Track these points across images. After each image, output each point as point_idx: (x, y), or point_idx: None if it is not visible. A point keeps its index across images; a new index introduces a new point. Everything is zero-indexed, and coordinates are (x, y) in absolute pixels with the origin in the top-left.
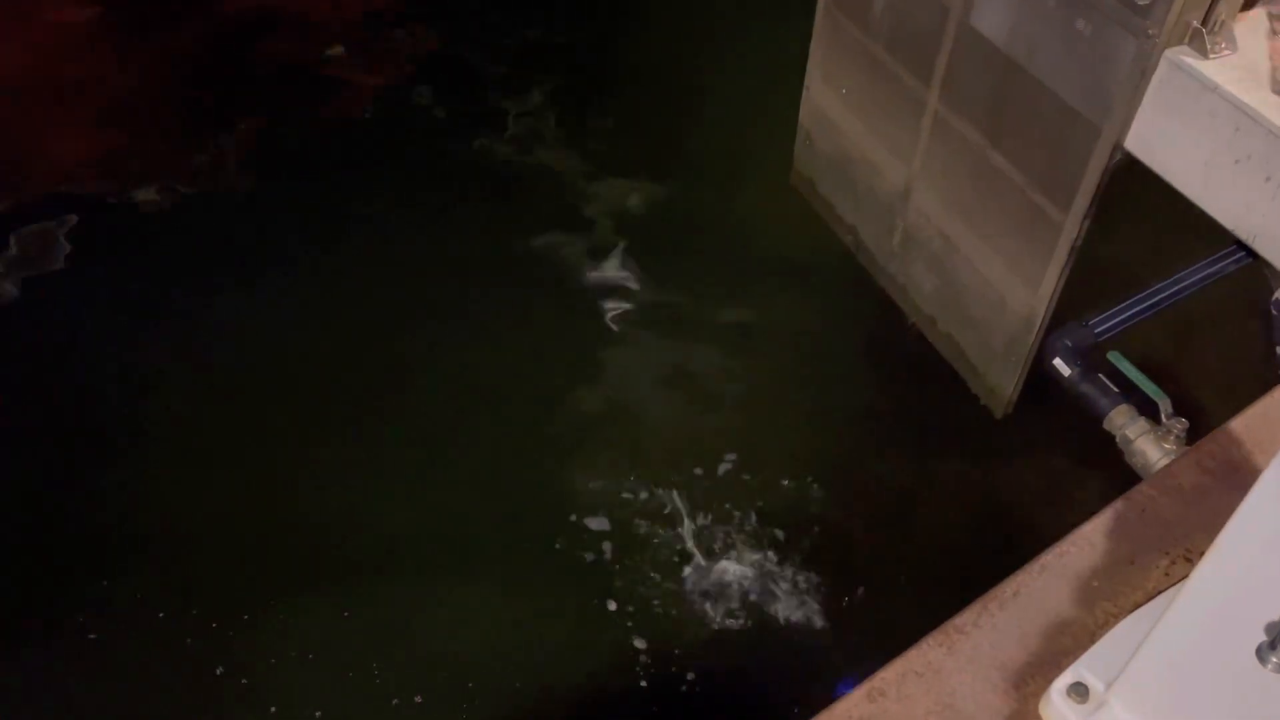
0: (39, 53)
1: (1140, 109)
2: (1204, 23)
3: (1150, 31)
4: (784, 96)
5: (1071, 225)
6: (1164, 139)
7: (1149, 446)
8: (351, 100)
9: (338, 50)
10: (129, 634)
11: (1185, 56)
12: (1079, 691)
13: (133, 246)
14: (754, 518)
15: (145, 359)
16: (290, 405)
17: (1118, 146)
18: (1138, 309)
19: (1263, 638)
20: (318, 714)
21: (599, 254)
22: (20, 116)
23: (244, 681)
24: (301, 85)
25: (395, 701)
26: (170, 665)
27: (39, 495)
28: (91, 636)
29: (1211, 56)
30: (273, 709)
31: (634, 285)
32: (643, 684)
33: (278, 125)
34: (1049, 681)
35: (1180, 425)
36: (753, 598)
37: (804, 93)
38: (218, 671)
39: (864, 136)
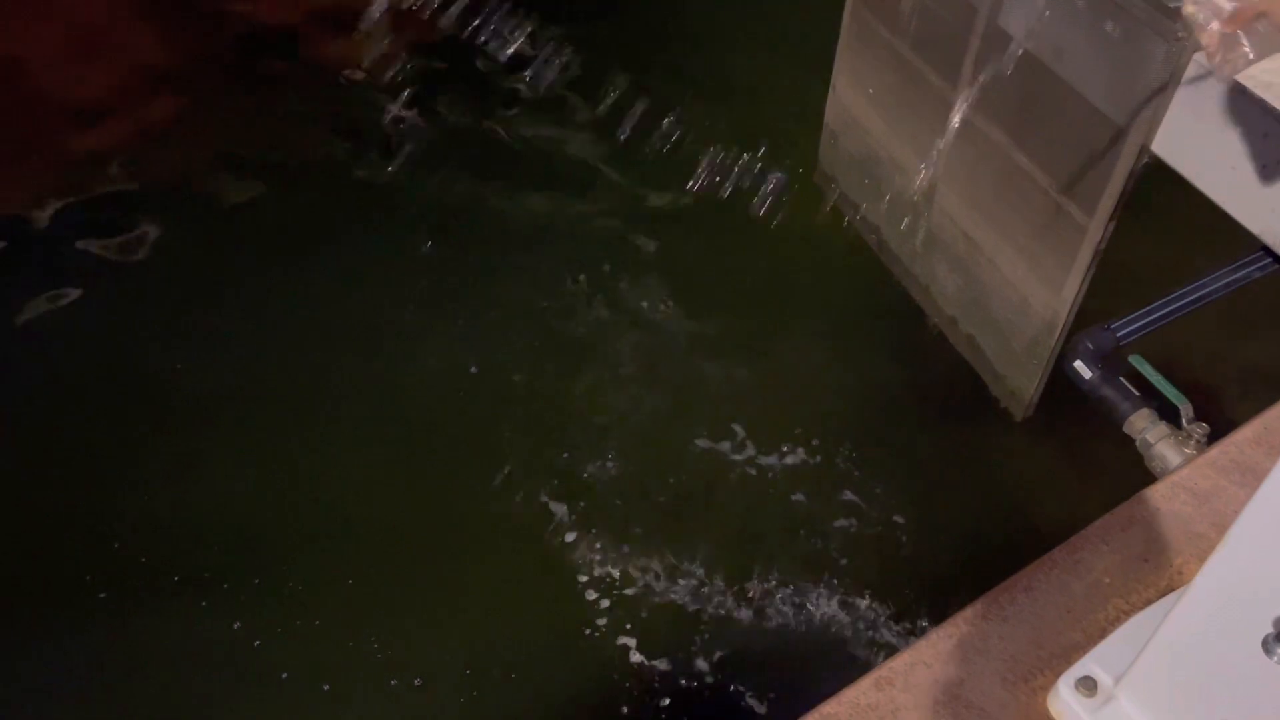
0: None
1: (1168, 112)
2: None
3: (1180, 34)
4: (809, 94)
5: (1096, 228)
6: (1191, 143)
7: (1169, 451)
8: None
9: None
10: (139, 594)
11: None
12: (1087, 685)
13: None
14: (758, 507)
15: (155, 356)
16: (294, 393)
17: (1144, 150)
18: (1161, 313)
19: (1270, 630)
20: (325, 687)
21: (606, 243)
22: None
23: (256, 643)
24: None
25: (394, 682)
26: (181, 624)
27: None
28: (101, 595)
29: None
30: (284, 675)
31: (646, 277)
32: (638, 676)
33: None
34: (1057, 675)
35: (1201, 430)
36: (754, 589)
37: (830, 92)
38: (235, 626)
39: (889, 136)
